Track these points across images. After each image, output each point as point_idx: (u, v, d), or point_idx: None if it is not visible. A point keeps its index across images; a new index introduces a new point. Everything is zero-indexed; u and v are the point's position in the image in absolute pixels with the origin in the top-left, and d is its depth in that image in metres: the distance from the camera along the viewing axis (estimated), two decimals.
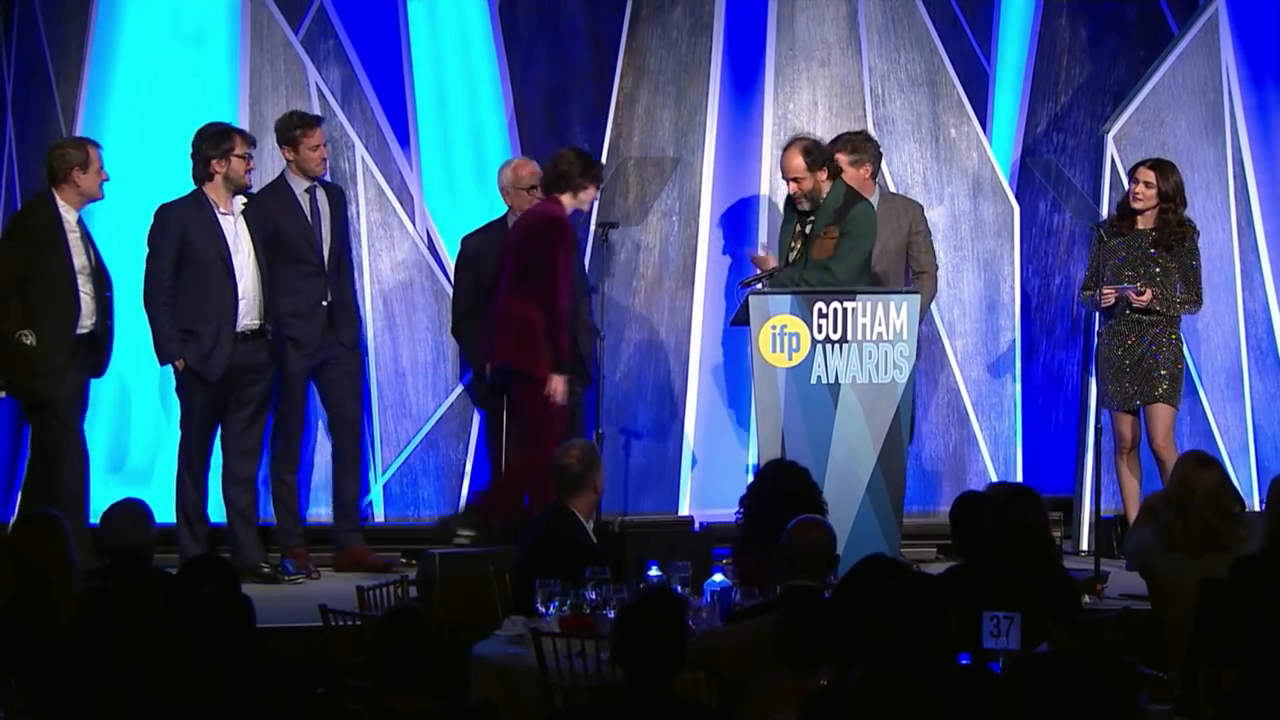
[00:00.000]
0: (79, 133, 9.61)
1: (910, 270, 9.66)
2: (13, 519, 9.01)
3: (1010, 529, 6.71)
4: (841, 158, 9.43)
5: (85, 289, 8.90)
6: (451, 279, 9.86)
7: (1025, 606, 5.86)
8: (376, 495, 9.88)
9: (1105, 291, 9.49)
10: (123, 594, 6.17)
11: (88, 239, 8.98)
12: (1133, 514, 9.48)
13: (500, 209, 9.66)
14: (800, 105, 10.33)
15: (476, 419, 9.97)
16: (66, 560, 6.35)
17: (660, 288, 10.26)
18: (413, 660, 5.23)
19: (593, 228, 10.00)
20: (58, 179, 8.92)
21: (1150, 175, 9.58)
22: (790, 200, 9.35)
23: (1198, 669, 5.99)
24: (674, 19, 10.29)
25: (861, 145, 9.55)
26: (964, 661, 5.50)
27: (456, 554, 8.61)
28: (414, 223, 10.08)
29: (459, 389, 10.06)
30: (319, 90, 9.94)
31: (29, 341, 8.83)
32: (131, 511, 6.90)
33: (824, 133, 9.98)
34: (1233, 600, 6.21)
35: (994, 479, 10.02)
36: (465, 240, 9.67)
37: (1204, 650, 6.12)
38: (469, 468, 10.01)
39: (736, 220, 10.31)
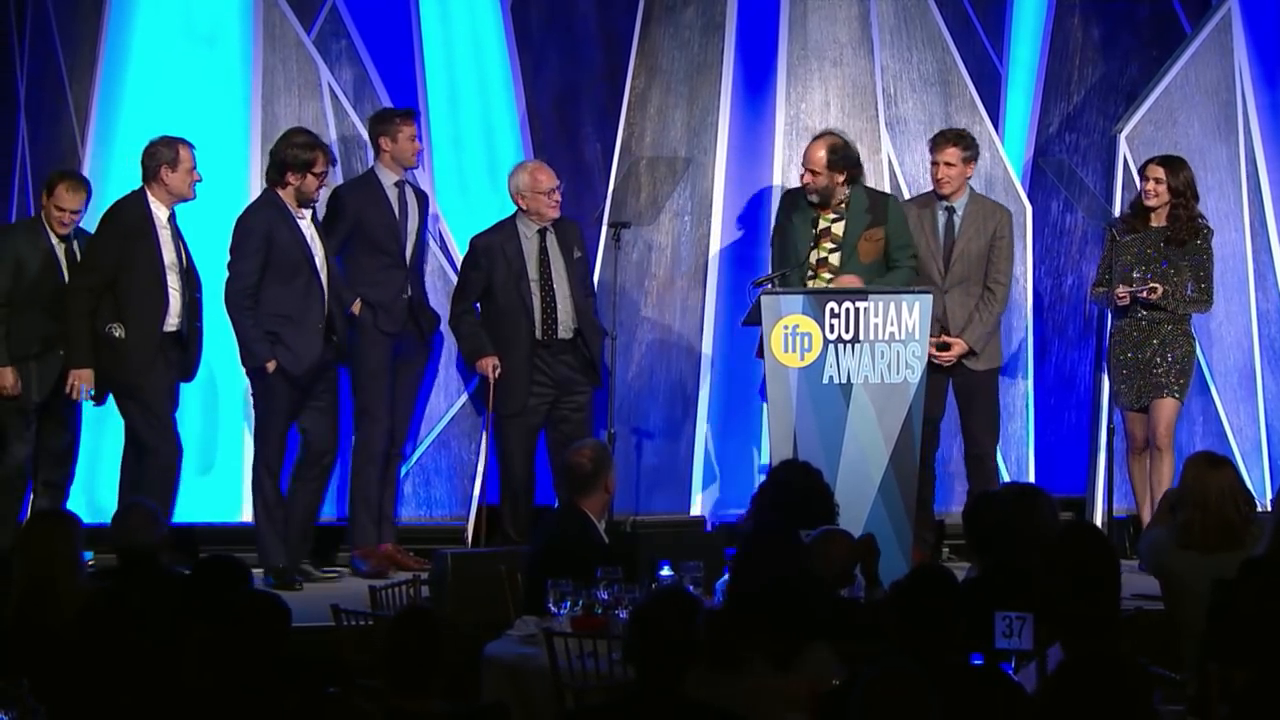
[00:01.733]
0: (91, 133, 9.66)
1: (986, 276, 9.58)
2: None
3: (1017, 529, 6.72)
4: (954, 151, 9.47)
5: (174, 285, 8.96)
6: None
7: (1036, 607, 5.85)
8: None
9: (1119, 294, 9.50)
10: (136, 594, 6.17)
11: (178, 237, 9.03)
12: (1145, 514, 9.50)
13: (510, 208, 9.65)
14: (812, 105, 10.33)
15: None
16: (72, 559, 6.37)
17: (672, 287, 10.26)
18: (424, 660, 5.23)
19: (604, 227, 10.00)
20: (148, 176, 8.99)
21: (1160, 172, 9.61)
22: (799, 195, 9.35)
23: (1210, 669, 5.98)
24: (686, 19, 10.29)
25: (971, 142, 9.59)
26: (976, 662, 5.49)
27: (468, 554, 8.62)
28: None
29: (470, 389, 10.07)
30: (331, 90, 9.94)
31: (119, 335, 8.89)
32: (145, 512, 6.93)
33: None
34: (1242, 601, 6.21)
35: (1006, 479, 10.01)
36: (474, 240, 9.67)
37: (1216, 650, 6.11)
38: (480, 468, 10.01)
39: (748, 220, 10.31)
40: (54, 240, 8.97)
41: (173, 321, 8.98)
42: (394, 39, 10.22)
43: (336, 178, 9.68)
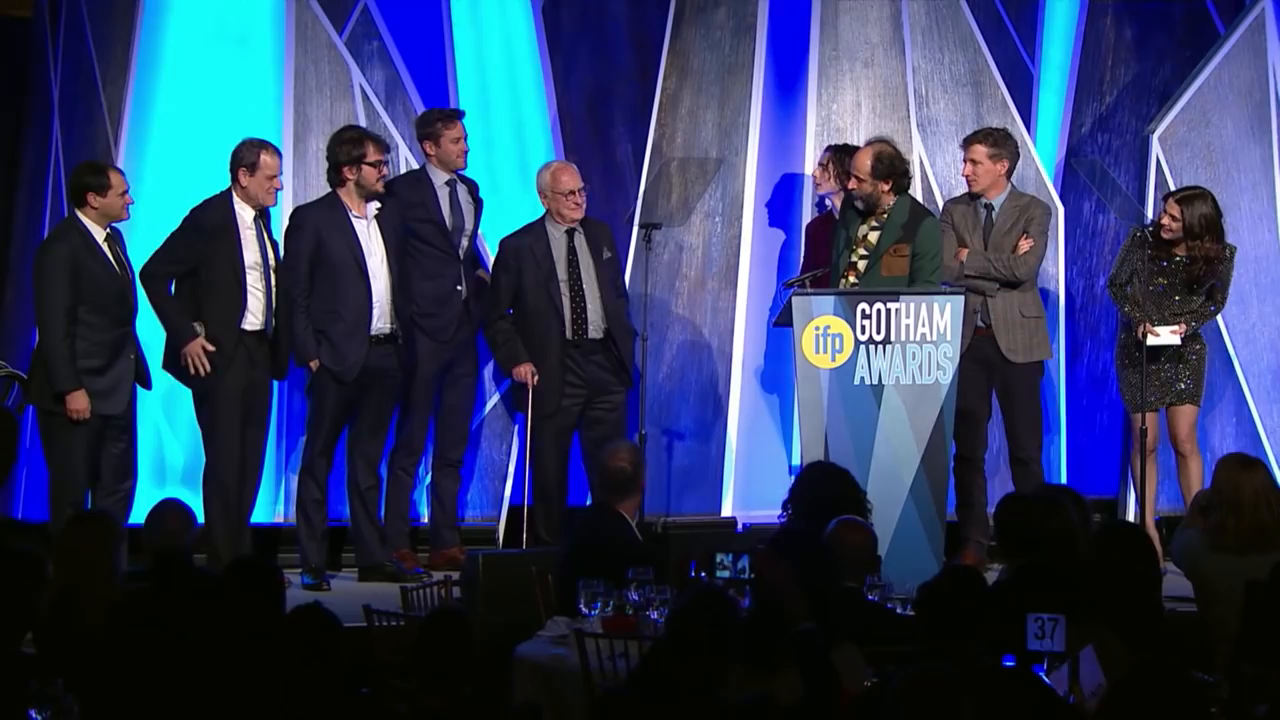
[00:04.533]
0: (124, 134, 9.67)
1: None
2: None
3: (1048, 531, 6.72)
4: (980, 149, 9.49)
5: (255, 285, 8.97)
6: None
7: (1070, 608, 5.84)
8: (420, 495, 9.90)
9: (1145, 334, 9.41)
10: (170, 594, 6.18)
11: (265, 238, 9.04)
12: (1149, 515, 9.48)
13: (539, 210, 9.66)
14: (844, 106, 10.32)
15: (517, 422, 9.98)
16: (107, 561, 6.38)
17: (703, 288, 10.25)
18: (455, 661, 5.24)
19: (635, 229, 10.00)
20: (232, 178, 9.01)
21: (1176, 209, 9.51)
22: (849, 200, 9.37)
23: (1244, 671, 5.96)
24: (717, 20, 10.29)
25: (1002, 140, 9.59)
26: (1008, 664, 5.48)
27: (500, 554, 8.63)
28: None
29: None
30: (363, 92, 9.96)
31: (199, 332, 8.92)
32: (181, 513, 6.94)
33: (866, 134, 9.98)
34: (1276, 603, 6.19)
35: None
36: (504, 242, 9.67)
37: (1250, 652, 6.09)
38: (511, 469, 10.02)
39: (780, 221, 10.30)
40: (100, 239, 8.82)
41: (253, 320, 8.98)
42: (425, 40, 10.23)
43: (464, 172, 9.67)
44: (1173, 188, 10.19)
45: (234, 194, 9.02)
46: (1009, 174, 9.59)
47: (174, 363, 9.05)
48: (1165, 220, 9.55)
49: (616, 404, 9.63)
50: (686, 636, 5.07)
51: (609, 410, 9.60)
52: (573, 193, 9.52)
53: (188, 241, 8.98)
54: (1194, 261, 9.51)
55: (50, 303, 8.73)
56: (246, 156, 9.00)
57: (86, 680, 5.27)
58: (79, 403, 8.68)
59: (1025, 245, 9.49)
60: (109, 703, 5.30)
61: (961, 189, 9.89)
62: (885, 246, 9.14)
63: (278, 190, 9.11)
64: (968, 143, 9.59)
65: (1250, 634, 6.25)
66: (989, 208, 9.55)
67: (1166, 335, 9.46)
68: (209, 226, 8.97)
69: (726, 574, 6.50)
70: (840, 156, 9.69)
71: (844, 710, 5.33)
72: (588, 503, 9.41)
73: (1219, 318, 10.04)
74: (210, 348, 8.90)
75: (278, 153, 9.14)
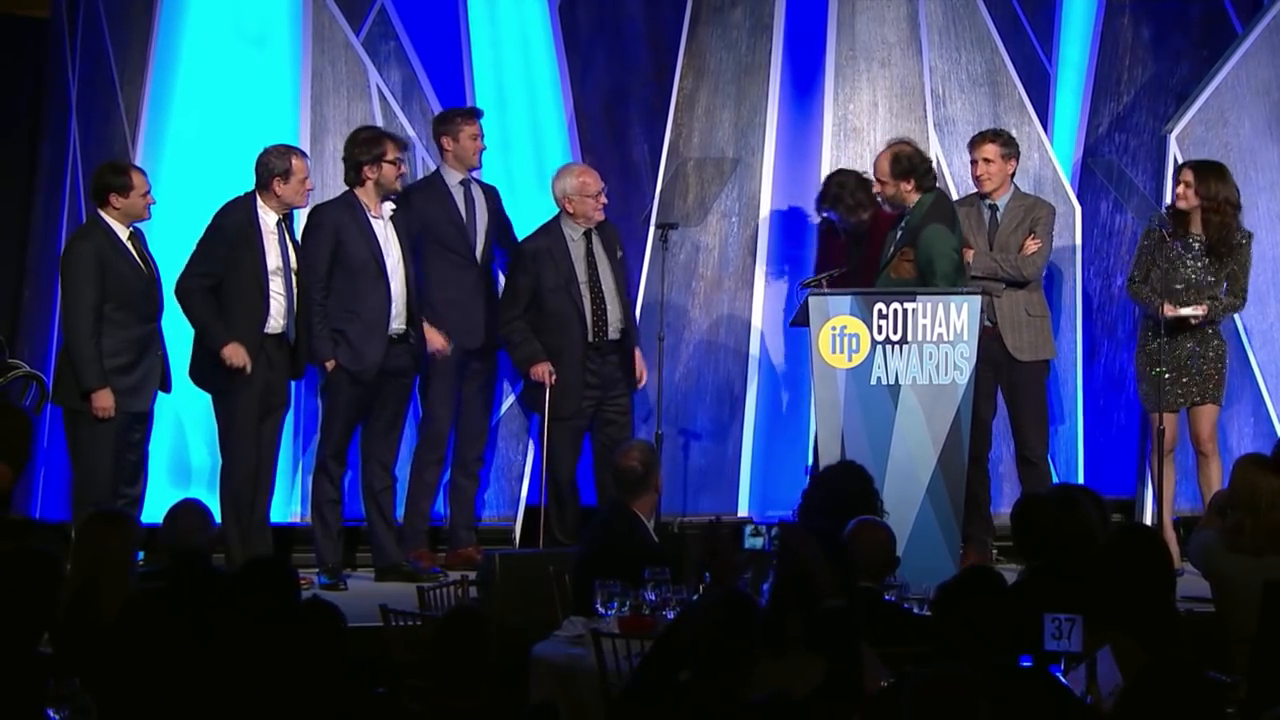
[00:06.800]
0: (142, 134, 9.69)
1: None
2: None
3: (1064, 531, 6.72)
4: (992, 148, 9.54)
5: (277, 290, 8.97)
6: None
7: (1086, 608, 5.84)
8: (438, 495, 9.90)
9: (1168, 312, 9.40)
10: (187, 593, 6.20)
11: (287, 241, 9.04)
12: (1167, 515, 9.47)
13: (554, 210, 9.65)
14: (860, 106, 10.31)
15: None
16: (124, 560, 6.39)
17: (719, 289, 10.26)
18: (472, 660, 5.25)
19: (652, 229, 10.00)
20: (260, 183, 9.01)
21: (1189, 175, 9.51)
22: None
23: (1262, 672, 5.95)
24: (734, 20, 10.29)
25: (1010, 140, 9.65)
26: (1025, 664, 5.48)
27: (517, 554, 8.64)
28: None
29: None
30: (380, 92, 9.97)
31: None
32: (198, 512, 6.95)
33: (884, 134, 9.98)
34: None
35: (1055, 481, 9.97)
36: (522, 245, 9.66)
37: (1268, 652, 6.08)
38: (528, 469, 10.03)
39: (796, 221, 10.30)
40: (124, 237, 8.83)
41: (275, 324, 8.99)
42: (442, 40, 10.24)
43: (478, 173, 9.67)
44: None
45: (259, 199, 9.01)
46: (1013, 175, 9.62)
47: (200, 374, 9.05)
48: (1179, 189, 9.52)
49: (627, 405, 9.65)
50: (705, 636, 5.07)
51: (620, 413, 9.62)
52: (599, 194, 9.54)
53: (215, 249, 8.96)
54: (1211, 227, 9.45)
55: (78, 301, 8.74)
56: (278, 165, 8.98)
57: (101, 679, 5.27)
58: (105, 401, 8.69)
59: (1033, 246, 9.51)
60: (124, 701, 5.31)
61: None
62: (898, 250, 9.13)
63: (309, 190, 9.14)
64: (978, 142, 9.59)
65: (1267, 634, 6.23)
66: (993, 208, 9.56)
67: (1188, 310, 9.44)
68: (233, 232, 8.96)
69: (759, 541, 6.42)
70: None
71: (861, 706, 5.32)
72: (596, 503, 9.43)
73: (1237, 318, 10.03)
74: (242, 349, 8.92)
75: (304, 154, 9.16)
